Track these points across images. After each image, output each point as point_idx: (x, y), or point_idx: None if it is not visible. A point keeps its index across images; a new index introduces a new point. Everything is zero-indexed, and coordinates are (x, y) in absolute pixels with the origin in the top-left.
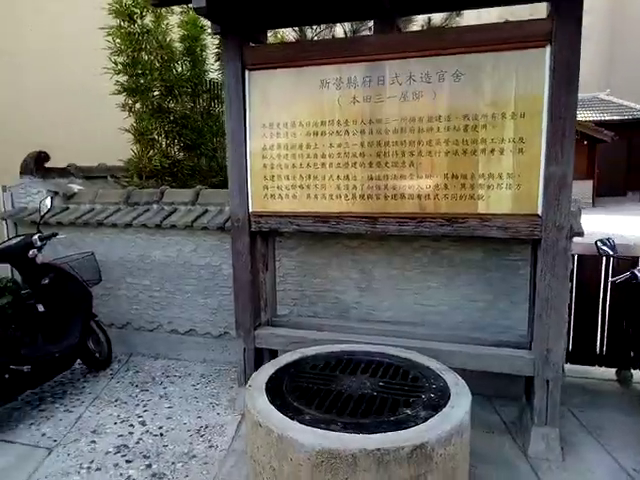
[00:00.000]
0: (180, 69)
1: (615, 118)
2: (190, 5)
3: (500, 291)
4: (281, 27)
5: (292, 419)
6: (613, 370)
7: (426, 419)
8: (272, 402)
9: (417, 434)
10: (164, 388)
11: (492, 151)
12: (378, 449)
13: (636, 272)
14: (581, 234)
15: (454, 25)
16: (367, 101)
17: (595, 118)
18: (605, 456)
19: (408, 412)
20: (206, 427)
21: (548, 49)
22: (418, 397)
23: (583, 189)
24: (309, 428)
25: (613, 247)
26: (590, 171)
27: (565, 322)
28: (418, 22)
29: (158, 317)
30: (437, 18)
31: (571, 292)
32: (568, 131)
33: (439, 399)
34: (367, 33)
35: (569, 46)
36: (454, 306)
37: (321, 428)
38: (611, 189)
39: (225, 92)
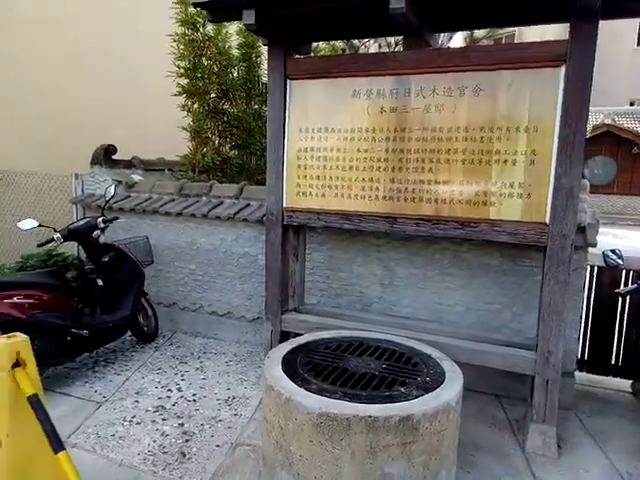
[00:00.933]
0: (236, 74)
1: None
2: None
3: (515, 295)
4: (320, 40)
5: (300, 386)
6: (629, 382)
7: (417, 397)
8: (285, 372)
9: (406, 407)
10: (201, 362)
11: (505, 162)
12: (369, 416)
13: None
14: (594, 245)
15: (496, 36)
16: (393, 111)
17: None
18: (602, 458)
19: (402, 390)
20: (233, 398)
21: (563, 69)
22: (414, 379)
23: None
24: (313, 394)
25: (621, 257)
26: None
27: (576, 326)
28: (461, 34)
29: (201, 299)
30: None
31: (588, 302)
32: (577, 146)
33: (433, 382)
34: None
35: (582, 67)
36: (470, 307)
37: (323, 395)
38: None
39: (268, 98)
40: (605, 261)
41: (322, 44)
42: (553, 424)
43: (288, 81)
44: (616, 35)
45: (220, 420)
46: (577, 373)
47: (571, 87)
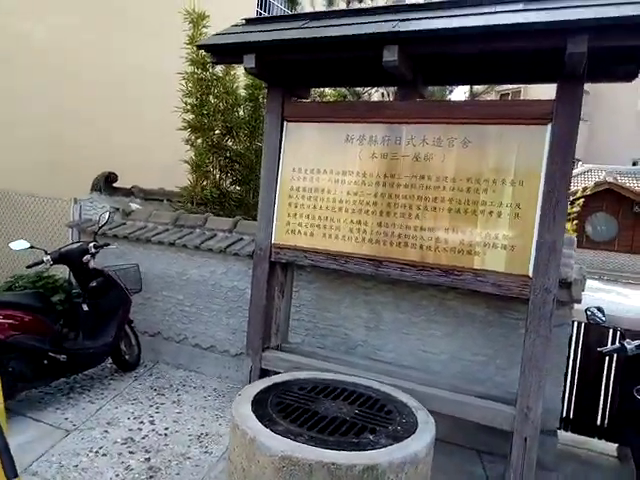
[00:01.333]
0: (242, 112)
1: None
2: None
3: (500, 348)
4: (319, 87)
5: (266, 427)
6: (615, 445)
7: (385, 446)
8: (254, 411)
9: (372, 456)
10: (178, 395)
11: (490, 213)
12: (333, 463)
13: (625, 344)
14: (579, 301)
15: (503, 92)
16: (384, 157)
17: None
18: None
19: (370, 437)
20: (206, 435)
21: (549, 126)
22: (385, 427)
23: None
24: (278, 436)
25: (603, 314)
26: None
27: (560, 383)
28: (461, 88)
29: (185, 330)
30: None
31: (575, 359)
32: (561, 201)
33: (404, 432)
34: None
35: (567, 126)
36: (455, 356)
37: (288, 438)
38: None
39: (265, 137)
40: (587, 317)
41: (328, 89)
42: None
43: (285, 123)
44: (623, 96)
45: (189, 457)
46: (562, 433)
47: (556, 145)
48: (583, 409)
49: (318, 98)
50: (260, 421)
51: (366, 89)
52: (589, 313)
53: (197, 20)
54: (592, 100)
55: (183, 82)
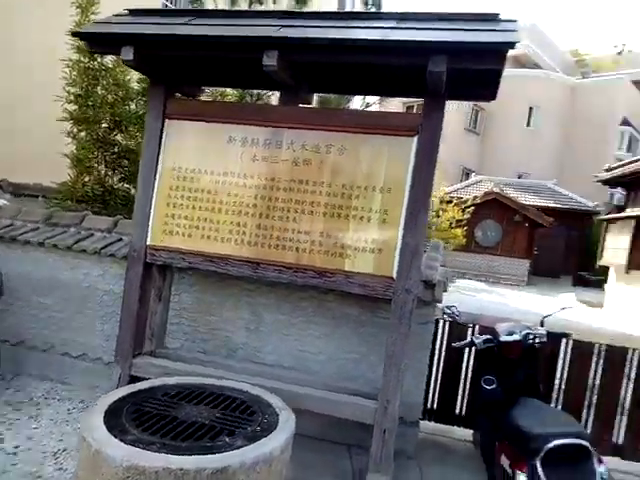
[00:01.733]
0: (133, 106)
1: (557, 206)
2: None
3: (372, 346)
4: (205, 86)
5: (115, 437)
6: (471, 431)
7: (239, 447)
8: (106, 421)
9: (222, 459)
10: (38, 409)
11: (361, 218)
12: (180, 469)
13: (474, 339)
14: (440, 301)
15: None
16: (265, 160)
17: (540, 204)
18: None
19: (226, 440)
20: (64, 450)
21: (415, 139)
22: (244, 429)
23: (520, 267)
24: (125, 446)
25: (458, 311)
26: (529, 252)
27: (422, 378)
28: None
29: (53, 338)
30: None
31: (440, 355)
32: (423, 208)
33: (262, 432)
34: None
35: (431, 139)
36: (332, 356)
37: (137, 447)
38: (548, 270)
39: (145, 134)
40: (443, 314)
41: (230, 90)
42: (389, 473)
43: (166, 120)
44: (512, 115)
45: (39, 476)
46: (426, 423)
47: (421, 156)
48: (446, 400)
49: (219, 97)
50: (110, 431)
51: (267, 92)
52: (448, 311)
53: (86, 6)
54: (486, 117)
55: (66, 70)
